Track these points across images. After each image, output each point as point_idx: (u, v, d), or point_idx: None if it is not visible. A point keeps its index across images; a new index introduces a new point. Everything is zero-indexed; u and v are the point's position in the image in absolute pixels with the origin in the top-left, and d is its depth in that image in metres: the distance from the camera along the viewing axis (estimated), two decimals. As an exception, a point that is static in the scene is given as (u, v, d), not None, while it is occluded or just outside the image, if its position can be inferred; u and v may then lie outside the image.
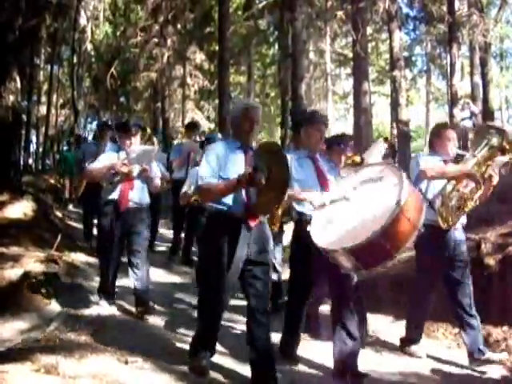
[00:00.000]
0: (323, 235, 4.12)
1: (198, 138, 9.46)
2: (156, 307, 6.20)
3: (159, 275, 7.92)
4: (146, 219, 6.02)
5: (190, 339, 5.14)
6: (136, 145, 6.19)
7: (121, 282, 6.39)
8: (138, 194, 5.91)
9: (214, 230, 4.18)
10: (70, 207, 14.51)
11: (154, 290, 6.60)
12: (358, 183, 4.31)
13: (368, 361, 4.72)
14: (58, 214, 11.72)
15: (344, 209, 4.21)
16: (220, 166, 4.09)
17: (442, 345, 5.50)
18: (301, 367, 4.72)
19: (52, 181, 16.97)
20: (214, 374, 4.33)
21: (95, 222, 9.00)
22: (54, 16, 21.31)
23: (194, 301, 6.60)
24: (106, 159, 5.92)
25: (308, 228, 4.33)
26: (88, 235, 9.71)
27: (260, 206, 3.99)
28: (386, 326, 5.95)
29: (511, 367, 4.78)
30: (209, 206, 4.23)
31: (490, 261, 5.89)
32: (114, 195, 5.80)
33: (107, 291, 6.01)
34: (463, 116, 14.99)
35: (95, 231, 8.81)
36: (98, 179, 6.04)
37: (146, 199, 6.08)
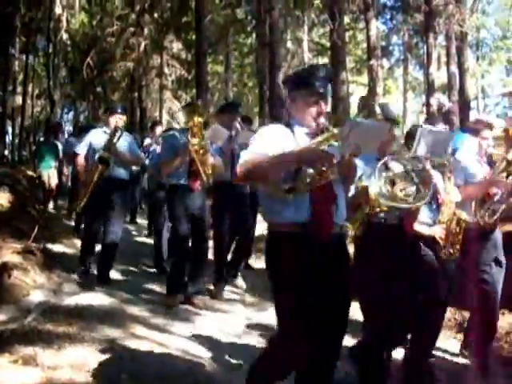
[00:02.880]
0: None
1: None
2: (134, 297, 6.22)
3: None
4: None
5: (167, 328, 5.19)
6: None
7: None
8: (343, 210, 3.31)
9: None
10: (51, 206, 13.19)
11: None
12: None
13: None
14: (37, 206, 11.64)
15: None
16: None
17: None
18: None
19: (29, 172, 16.75)
20: (197, 362, 4.36)
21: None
22: (29, 5, 21.08)
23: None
24: (277, 141, 3.17)
25: None
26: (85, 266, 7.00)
27: None
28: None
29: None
30: None
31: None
32: (301, 213, 3.08)
33: None
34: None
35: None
36: (275, 176, 3.07)
37: None
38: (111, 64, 24.93)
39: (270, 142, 3.17)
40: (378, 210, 3.84)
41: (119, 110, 7.22)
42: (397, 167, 3.89)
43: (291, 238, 3.05)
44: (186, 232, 6.02)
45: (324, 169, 3.06)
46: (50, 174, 12.33)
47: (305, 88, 3.26)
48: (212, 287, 6.62)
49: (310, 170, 3.08)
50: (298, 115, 3.31)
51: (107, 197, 6.84)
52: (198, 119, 5.79)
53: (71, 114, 35.25)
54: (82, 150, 7.10)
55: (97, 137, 7.05)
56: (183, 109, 6.80)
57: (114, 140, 6.79)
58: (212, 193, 6.59)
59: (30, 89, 26.59)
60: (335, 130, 3.12)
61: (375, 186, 3.69)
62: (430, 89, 17.54)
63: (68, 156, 11.51)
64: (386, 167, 3.84)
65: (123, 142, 6.96)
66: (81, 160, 7.12)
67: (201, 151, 5.81)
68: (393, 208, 3.75)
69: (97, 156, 6.69)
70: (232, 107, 6.90)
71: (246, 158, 3.15)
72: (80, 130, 12.05)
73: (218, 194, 6.64)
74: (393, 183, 3.74)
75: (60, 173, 12.97)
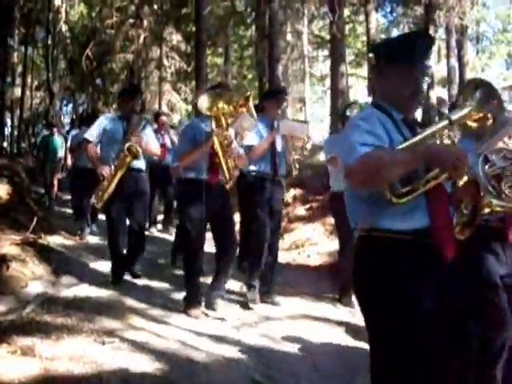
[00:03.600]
0: None
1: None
2: (132, 288, 6.23)
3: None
4: None
5: (165, 319, 5.19)
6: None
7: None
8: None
9: None
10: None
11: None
12: None
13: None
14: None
15: None
16: None
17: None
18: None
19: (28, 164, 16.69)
20: (194, 353, 4.36)
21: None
22: (28, -4, 21.01)
23: (167, 282, 6.64)
24: (384, 132, 2.54)
25: None
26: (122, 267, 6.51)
27: None
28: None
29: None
30: None
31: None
32: (416, 218, 2.51)
33: None
34: None
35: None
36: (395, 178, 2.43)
37: None
38: (110, 56, 24.89)
39: (378, 132, 2.50)
40: (487, 210, 3.21)
41: (135, 94, 6.55)
42: (499, 160, 3.34)
43: (403, 247, 2.47)
44: (201, 233, 5.41)
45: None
46: (55, 169, 12.06)
47: (403, 62, 2.58)
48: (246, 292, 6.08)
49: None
50: (392, 96, 2.64)
51: (130, 190, 6.20)
52: (223, 106, 5.25)
53: (70, 105, 35.22)
54: (93, 136, 6.31)
55: (111, 123, 6.34)
56: (207, 93, 5.46)
57: (139, 129, 6.20)
58: (244, 185, 6.06)
59: (28, 80, 26.51)
60: (454, 117, 2.54)
61: (482, 182, 3.13)
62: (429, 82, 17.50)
63: (72, 147, 10.76)
64: (487, 160, 3.31)
65: (146, 131, 6.44)
66: (93, 148, 6.34)
67: (225, 142, 5.27)
68: (505, 208, 3.22)
69: (126, 146, 5.97)
70: (278, 93, 6.40)
71: (360, 152, 2.39)
72: (81, 121, 11.72)
73: (256, 188, 5.95)
74: (499, 179, 3.24)
75: (62, 166, 12.71)
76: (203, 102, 5.15)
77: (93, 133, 6.32)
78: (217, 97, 5.21)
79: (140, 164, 6.29)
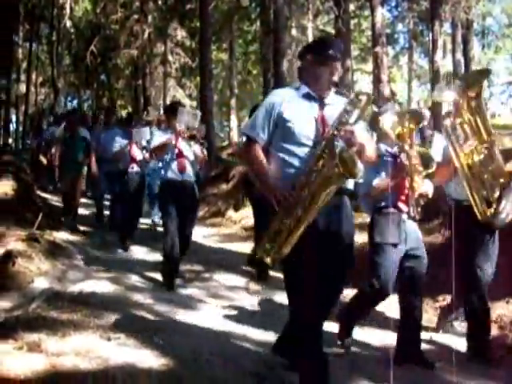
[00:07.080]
0: None
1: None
2: (138, 284, 6.24)
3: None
4: None
5: (171, 315, 5.19)
6: None
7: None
8: None
9: None
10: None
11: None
12: None
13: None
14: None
15: None
16: None
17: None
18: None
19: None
20: (200, 348, 4.36)
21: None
22: (33, -8, 21.04)
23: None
24: None
25: None
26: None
27: None
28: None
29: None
30: None
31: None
32: None
33: None
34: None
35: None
36: None
37: None
38: (115, 51, 24.88)
39: None
40: None
41: (337, 54, 3.36)
42: None
43: None
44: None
45: None
46: (74, 180, 9.34)
47: None
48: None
49: None
50: None
51: (330, 233, 3.33)
52: (409, 126, 3.95)
53: (75, 102, 35.29)
54: (261, 133, 3.41)
55: (294, 108, 3.36)
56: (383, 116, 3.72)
57: (352, 118, 3.22)
58: None
59: (33, 77, 26.56)
60: None
61: None
62: (435, 77, 17.44)
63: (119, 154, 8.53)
64: None
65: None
66: (260, 153, 3.43)
67: (417, 166, 3.92)
68: None
69: (338, 150, 3.07)
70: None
71: None
72: (121, 120, 9.84)
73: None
74: None
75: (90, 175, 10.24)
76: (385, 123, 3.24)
77: (258, 127, 3.44)
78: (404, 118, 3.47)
79: (350, 183, 3.48)
